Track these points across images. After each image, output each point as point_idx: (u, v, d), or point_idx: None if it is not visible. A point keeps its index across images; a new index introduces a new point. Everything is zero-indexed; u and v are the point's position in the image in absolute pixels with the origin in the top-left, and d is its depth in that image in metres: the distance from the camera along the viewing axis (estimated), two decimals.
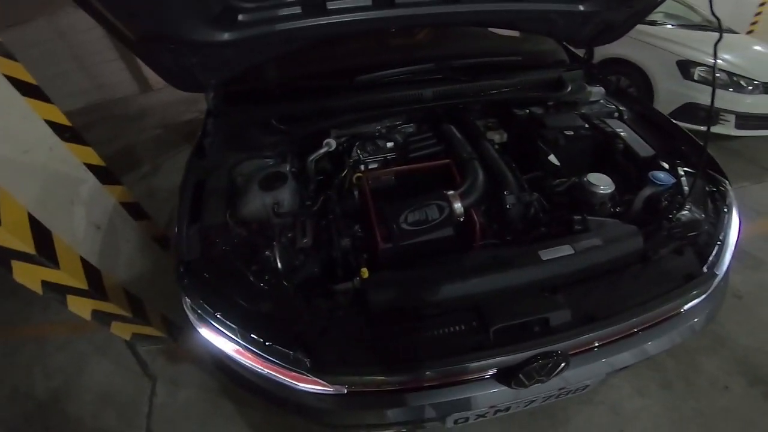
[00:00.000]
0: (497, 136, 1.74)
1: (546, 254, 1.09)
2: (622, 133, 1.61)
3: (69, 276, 1.49)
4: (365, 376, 1.01)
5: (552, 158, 1.56)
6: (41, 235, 1.42)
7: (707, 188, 1.39)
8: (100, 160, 1.83)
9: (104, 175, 1.84)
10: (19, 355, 2.11)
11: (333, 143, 1.55)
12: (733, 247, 1.25)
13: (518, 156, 1.58)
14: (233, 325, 1.05)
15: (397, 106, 1.65)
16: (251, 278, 1.14)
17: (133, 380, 1.91)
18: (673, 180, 1.34)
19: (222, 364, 1.19)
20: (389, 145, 1.63)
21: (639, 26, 3.45)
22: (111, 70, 4.82)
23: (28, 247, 1.36)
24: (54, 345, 2.12)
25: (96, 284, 1.59)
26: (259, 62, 1.55)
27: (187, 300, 1.13)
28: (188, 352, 1.92)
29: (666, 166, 1.44)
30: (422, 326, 1.02)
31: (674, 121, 1.70)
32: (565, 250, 1.10)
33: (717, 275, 1.17)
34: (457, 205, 1.20)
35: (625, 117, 1.76)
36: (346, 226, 1.29)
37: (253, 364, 1.09)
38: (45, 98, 1.63)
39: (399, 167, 1.44)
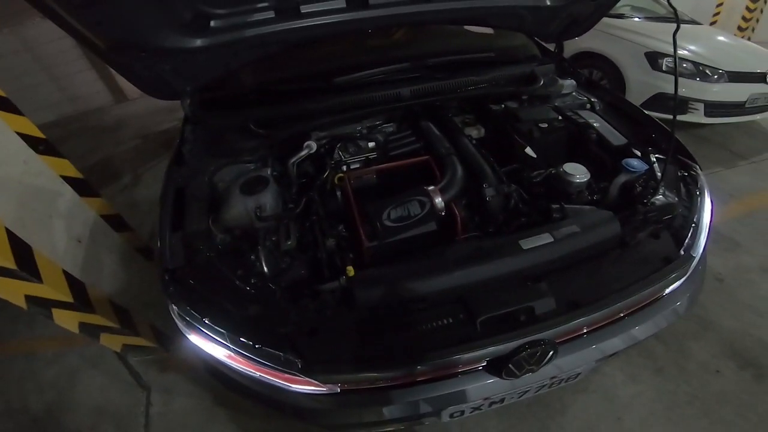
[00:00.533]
0: (475, 132, 1.78)
1: (526, 243, 1.12)
2: (594, 124, 1.67)
3: (53, 290, 1.46)
4: (356, 373, 1.02)
5: (528, 150, 1.60)
6: (21, 249, 1.39)
7: (679, 173, 1.45)
8: (77, 172, 1.80)
9: (82, 187, 1.81)
10: (9, 371, 2.07)
11: (314, 146, 1.56)
12: (707, 229, 1.30)
13: (496, 150, 1.62)
14: (222, 330, 1.05)
15: (375, 106, 1.67)
16: (237, 282, 1.14)
17: (127, 391, 1.89)
18: (645, 166, 1.40)
19: (214, 370, 1.19)
20: (370, 145, 1.65)
21: (607, 20, 3.60)
22: (83, 81, 4.70)
23: (8, 263, 1.33)
24: (44, 360, 2.08)
25: (81, 297, 1.57)
26: (234, 68, 1.55)
27: (174, 308, 1.12)
28: (180, 360, 1.90)
29: (638, 153, 1.49)
30: (410, 321, 1.04)
31: (644, 110, 1.76)
32: (545, 238, 1.14)
33: (694, 257, 1.21)
34: (438, 200, 1.23)
35: (597, 108, 1.81)
36: (330, 226, 1.31)
37: (245, 367, 1.09)
38: (15, 110, 1.60)
39: (379, 166, 1.46)
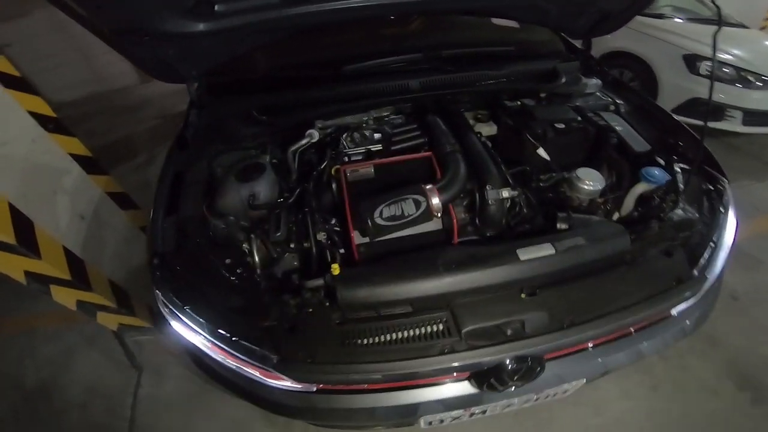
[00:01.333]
0: (486, 128, 1.70)
1: (524, 253, 1.04)
2: (616, 127, 1.56)
3: (51, 266, 1.47)
4: (332, 375, 0.98)
5: (541, 152, 1.51)
6: (22, 225, 1.41)
7: (703, 186, 1.34)
8: (86, 150, 1.82)
9: (90, 165, 1.83)
10: (10, 347, 2.10)
11: (316, 134, 1.51)
12: (727, 250, 1.20)
13: (507, 149, 1.54)
14: (201, 320, 1.03)
15: (381, 97, 1.61)
16: (224, 272, 1.12)
17: (120, 371, 1.90)
18: (667, 177, 1.29)
19: (195, 357, 1.18)
20: (377, 136, 1.59)
21: (645, 19, 3.42)
22: (111, 61, 4.75)
23: (8, 237, 1.35)
24: (44, 336, 2.12)
25: (80, 274, 1.58)
26: (239, 53, 1.52)
27: (158, 293, 1.11)
28: (174, 343, 1.91)
29: (661, 162, 1.39)
30: (393, 326, 1.00)
31: (673, 116, 1.64)
32: (546, 249, 1.05)
33: (707, 279, 1.12)
34: (435, 200, 1.16)
35: (622, 110, 1.70)
36: (323, 220, 1.27)
37: (223, 358, 1.07)
38: (30, 90, 1.62)
39: (378, 160, 1.41)
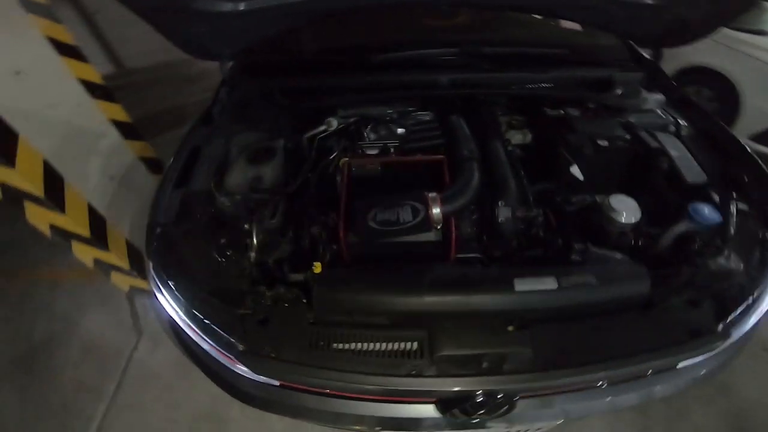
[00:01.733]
0: (519, 136, 1.56)
1: (522, 284, 0.93)
2: (671, 151, 1.35)
3: (74, 222, 1.57)
4: (293, 374, 0.95)
5: (575, 170, 1.36)
6: (53, 180, 1.50)
7: (759, 234, 1.13)
8: (126, 116, 1.91)
9: (128, 130, 1.92)
10: (32, 298, 2.18)
11: (334, 123, 1.46)
12: (766, 307, 1.02)
13: (538, 162, 1.40)
14: (180, 297, 1.04)
15: (411, 90, 1.52)
16: (214, 252, 1.11)
17: (122, 333, 1.96)
18: (717, 218, 1.10)
19: (174, 331, 1.19)
20: (399, 131, 1.51)
21: (739, 34, 3.00)
22: None
23: (38, 191, 1.45)
24: (65, 290, 2.19)
25: (99, 233, 1.67)
26: (271, 34, 1.50)
27: (150, 263, 1.13)
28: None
29: (716, 198, 1.19)
30: (366, 336, 0.94)
31: (748, 144, 1.40)
32: (548, 283, 0.94)
33: (730, 337, 0.95)
34: (436, 210, 1.06)
35: (683, 132, 1.47)
36: (321, 212, 1.22)
37: (197, 338, 1.07)
38: (81, 58, 1.71)
39: (386, 158, 1.33)
